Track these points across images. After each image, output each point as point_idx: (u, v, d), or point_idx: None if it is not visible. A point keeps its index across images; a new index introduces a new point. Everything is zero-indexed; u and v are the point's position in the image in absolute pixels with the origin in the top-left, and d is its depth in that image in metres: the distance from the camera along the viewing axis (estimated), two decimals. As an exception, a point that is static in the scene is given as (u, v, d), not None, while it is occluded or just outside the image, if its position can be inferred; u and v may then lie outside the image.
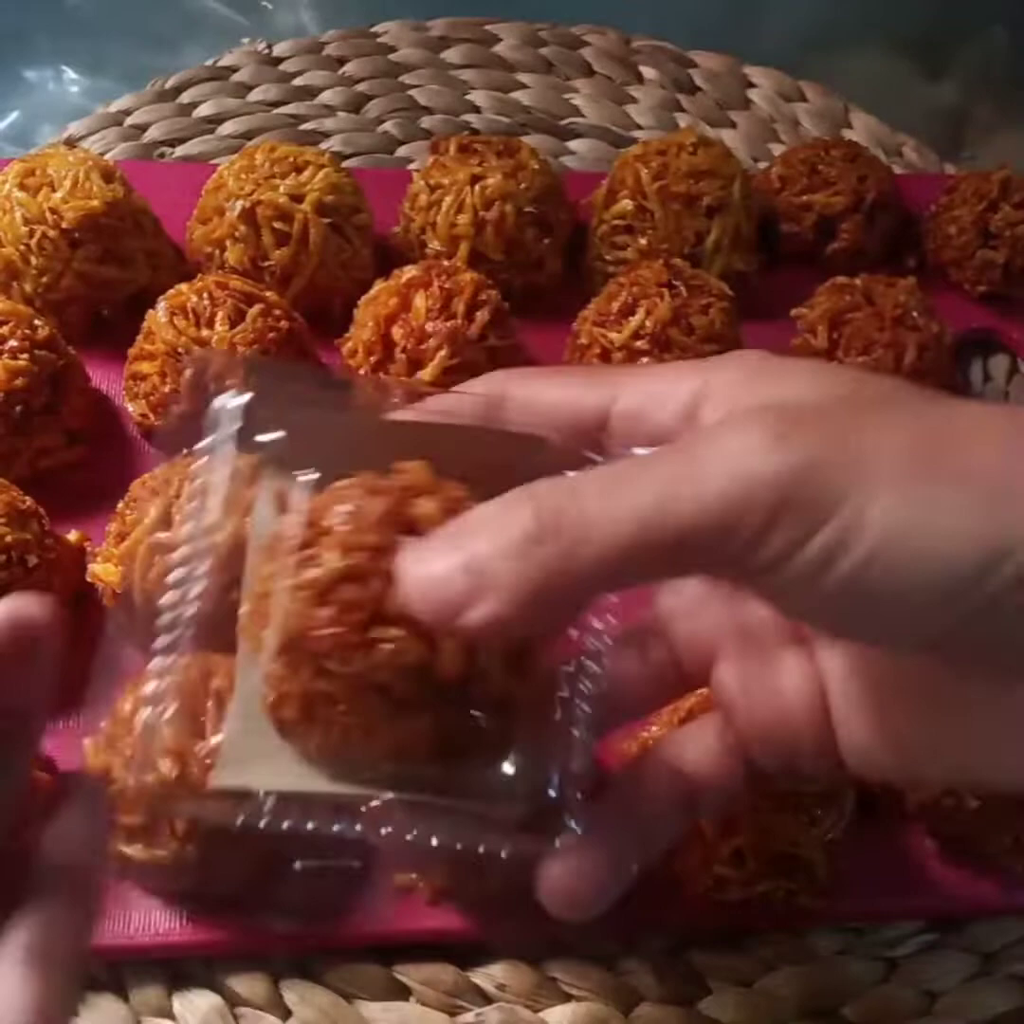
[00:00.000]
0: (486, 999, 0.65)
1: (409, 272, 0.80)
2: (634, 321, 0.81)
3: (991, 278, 0.94)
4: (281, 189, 0.83)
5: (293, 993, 0.64)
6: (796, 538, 0.31)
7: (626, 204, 0.89)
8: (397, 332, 0.78)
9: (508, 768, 0.42)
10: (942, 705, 0.38)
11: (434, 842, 0.41)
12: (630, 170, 0.89)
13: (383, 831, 0.40)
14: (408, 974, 0.65)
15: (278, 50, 1.07)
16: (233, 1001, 0.63)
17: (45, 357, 0.75)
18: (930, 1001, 0.67)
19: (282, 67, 1.06)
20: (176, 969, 0.63)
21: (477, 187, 0.86)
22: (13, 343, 0.73)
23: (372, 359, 0.79)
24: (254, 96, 1.04)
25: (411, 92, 1.06)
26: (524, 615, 0.33)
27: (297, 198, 0.83)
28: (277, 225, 0.83)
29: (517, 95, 1.08)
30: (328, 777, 0.40)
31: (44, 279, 0.80)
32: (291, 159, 0.85)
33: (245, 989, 0.63)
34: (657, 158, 0.89)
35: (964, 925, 0.69)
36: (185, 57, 1.08)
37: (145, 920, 0.62)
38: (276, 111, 1.03)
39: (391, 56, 1.09)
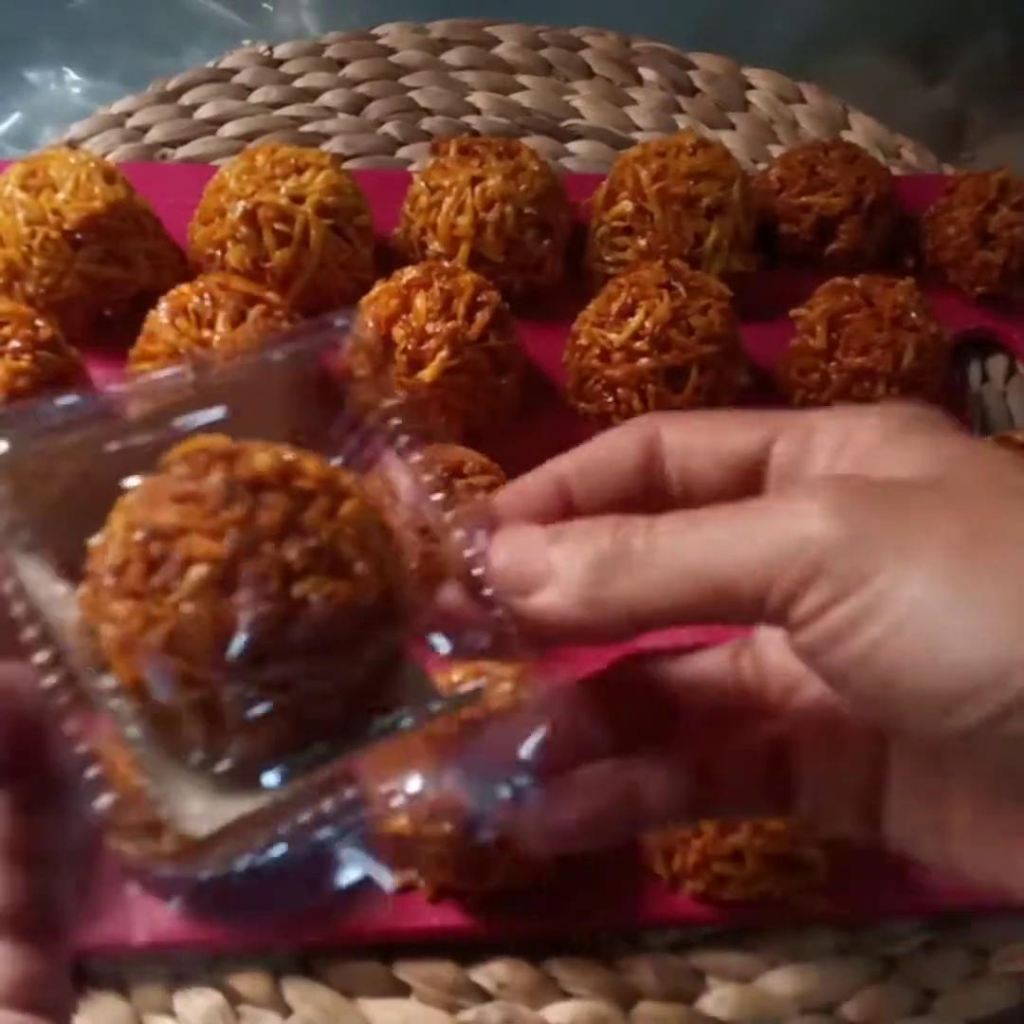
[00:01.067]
0: (486, 997, 0.65)
1: (409, 273, 0.80)
2: (633, 322, 0.81)
3: (989, 279, 0.94)
4: (282, 191, 0.83)
5: (294, 991, 0.64)
6: (826, 600, 0.33)
7: (626, 205, 0.90)
8: (398, 333, 0.79)
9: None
10: (984, 812, 0.38)
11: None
12: (630, 171, 0.90)
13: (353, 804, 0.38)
14: (409, 972, 0.65)
15: (279, 52, 1.07)
16: (234, 999, 0.64)
17: (47, 358, 0.75)
18: (929, 999, 0.67)
19: (283, 69, 1.06)
20: (177, 968, 0.64)
21: (477, 189, 0.86)
22: (15, 344, 0.73)
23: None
24: (255, 98, 1.04)
25: (411, 94, 1.06)
26: (579, 614, 0.36)
27: (298, 199, 0.83)
28: (278, 226, 0.83)
29: (517, 97, 1.08)
30: (273, 782, 0.38)
31: (46, 280, 0.80)
32: (292, 160, 0.85)
33: (246, 987, 0.64)
34: (657, 159, 0.89)
35: (963, 923, 0.69)
36: (186, 59, 1.08)
37: (148, 918, 0.62)
38: (277, 113, 1.03)
39: (391, 58, 1.09)
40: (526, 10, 1.12)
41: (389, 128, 1.04)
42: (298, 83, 1.06)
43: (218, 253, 0.85)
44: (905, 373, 0.84)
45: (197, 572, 0.33)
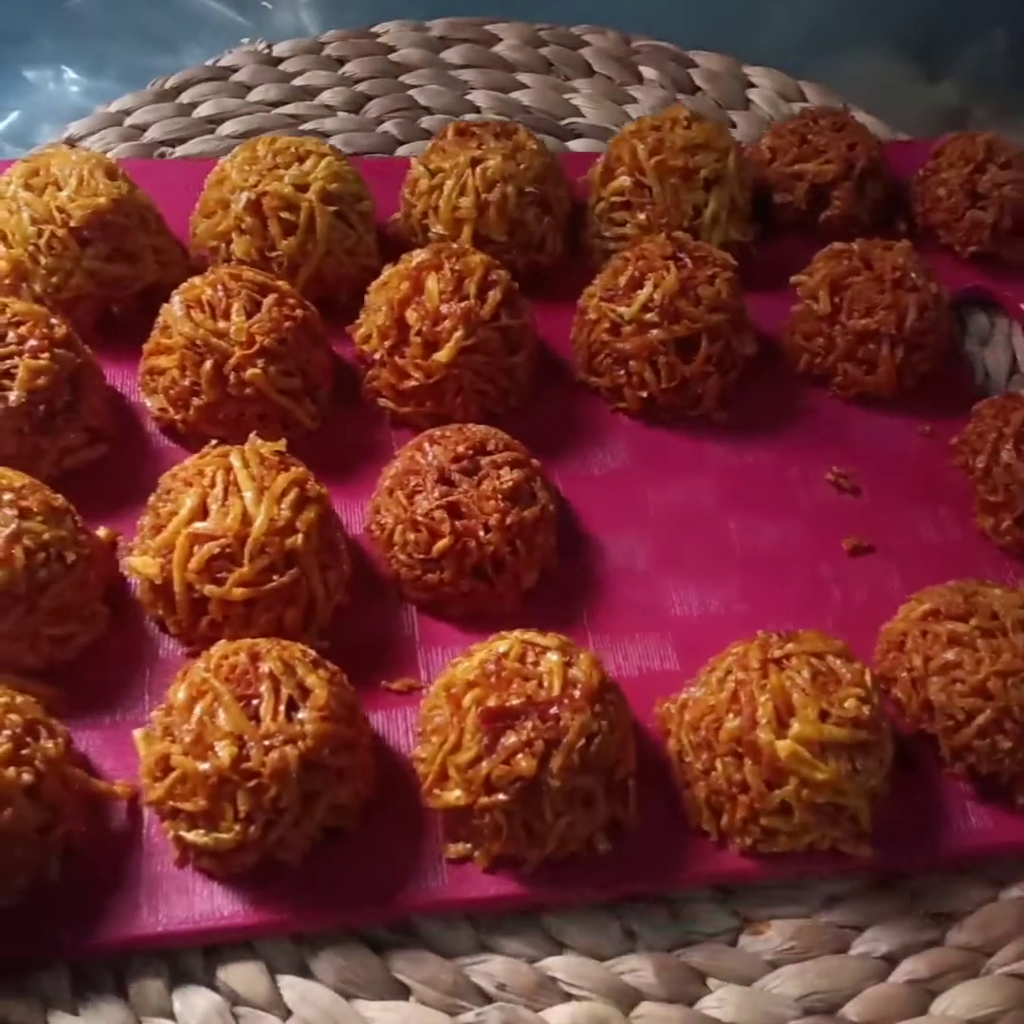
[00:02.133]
0: (486, 998, 0.64)
1: (419, 256, 0.81)
2: (642, 294, 0.82)
3: (980, 238, 0.96)
4: (286, 179, 0.83)
5: (293, 992, 0.63)
6: None
7: (624, 180, 0.90)
8: (411, 315, 0.79)
9: None
10: None
11: None
12: (626, 147, 0.90)
13: None
14: (408, 973, 0.64)
15: (278, 50, 1.08)
16: (233, 1000, 0.63)
17: (64, 356, 0.75)
18: (929, 999, 0.67)
19: (282, 67, 1.06)
20: (176, 968, 0.63)
21: (478, 169, 0.87)
22: (33, 343, 0.73)
23: (387, 343, 0.80)
24: (254, 96, 1.04)
25: (411, 92, 1.06)
26: None
27: (302, 187, 0.83)
28: (284, 215, 0.83)
29: (517, 95, 1.08)
30: None
31: (54, 279, 0.80)
32: (292, 149, 0.85)
33: (245, 988, 0.63)
34: (652, 134, 0.90)
35: (963, 923, 0.69)
36: (185, 57, 1.09)
37: (209, 905, 0.63)
38: (276, 111, 1.03)
39: (391, 56, 1.09)
40: (526, 8, 1.13)
41: (389, 126, 1.04)
42: (297, 81, 1.06)
43: (223, 245, 0.85)
44: (909, 333, 0.85)
45: None
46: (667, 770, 0.70)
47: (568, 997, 0.65)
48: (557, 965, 0.65)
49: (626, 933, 0.67)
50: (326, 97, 1.05)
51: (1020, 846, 0.70)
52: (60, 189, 0.80)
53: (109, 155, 0.91)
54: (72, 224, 0.79)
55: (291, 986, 0.63)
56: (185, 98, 1.03)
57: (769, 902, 0.69)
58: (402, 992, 0.64)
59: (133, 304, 0.84)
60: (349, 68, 1.07)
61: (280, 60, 1.07)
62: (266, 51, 1.07)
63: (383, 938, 0.65)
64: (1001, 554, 0.82)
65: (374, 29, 1.11)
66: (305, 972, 0.64)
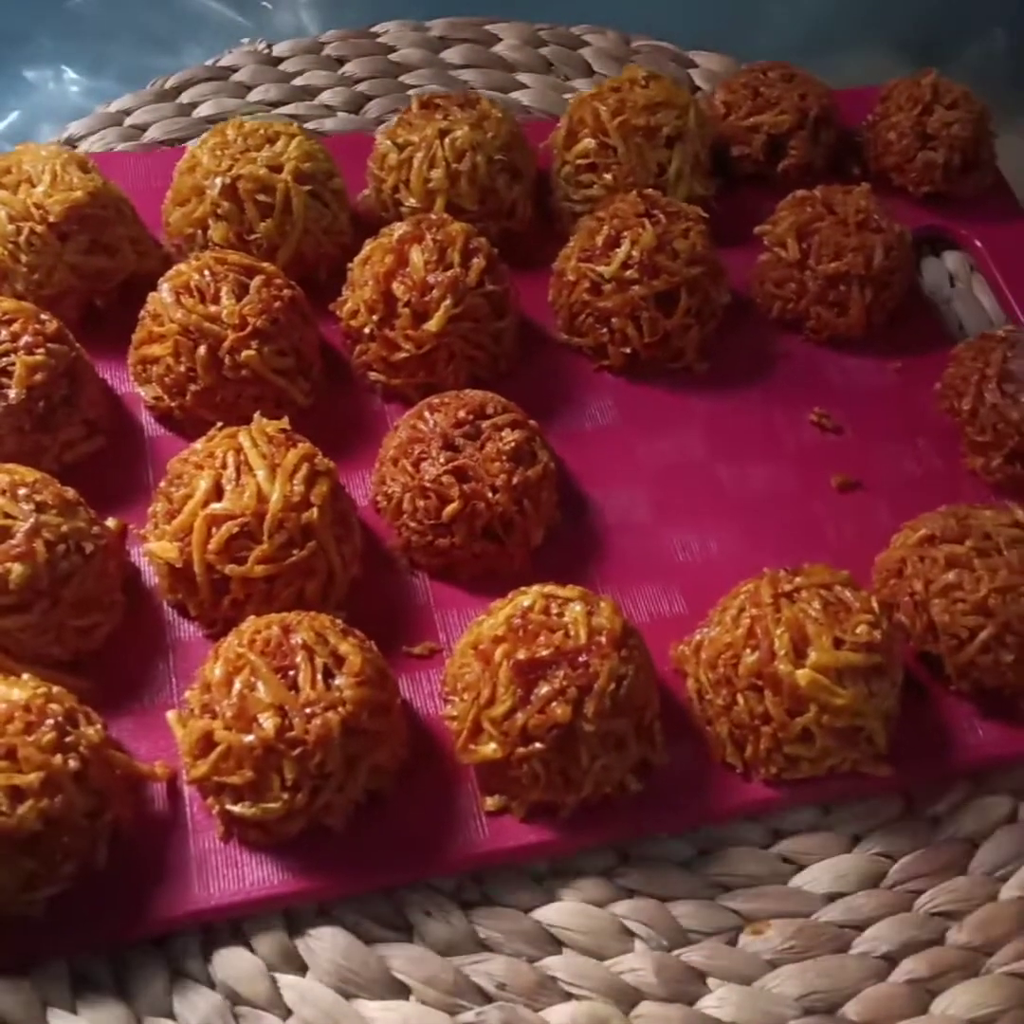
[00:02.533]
0: (486, 998, 0.65)
1: (400, 228, 0.82)
2: (621, 252, 0.84)
3: (932, 178, 0.99)
4: (259, 161, 0.83)
5: (293, 992, 0.63)
6: None
7: (588, 142, 0.92)
8: (398, 287, 0.80)
9: None
10: None
11: None
12: (588, 109, 0.92)
13: None
14: (408, 973, 0.64)
15: (278, 50, 1.07)
16: (233, 1000, 0.63)
17: (59, 350, 0.75)
18: (929, 999, 0.67)
19: (282, 67, 1.06)
20: (176, 967, 0.63)
21: (447, 140, 0.88)
22: (27, 339, 0.74)
23: (375, 316, 0.81)
24: (254, 96, 1.04)
25: (411, 92, 1.06)
26: None
27: (276, 169, 0.84)
28: (260, 197, 0.83)
29: (517, 95, 1.08)
30: None
31: (36, 276, 0.80)
32: (262, 131, 0.86)
33: (245, 988, 0.63)
34: (612, 95, 0.91)
35: (962, 922, 0.69)
36: (185, 57, 1.08)
37: (258, 874, 0.64)
38: (276, 111, 1.03)
39: (391, 56, 1.08)
40: (526, 8, 1.13)
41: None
42: (297, 81, 1.06)
43: (199, 232, 0.85)
44: (877, 273, 0.88)
45: None
46: (686, 711, 0.72)
47: (568, 997, 0.65)
48: (557, 965, 0.66)
49: (626, 933, 0.67)
50: (326, 97, 1.05)
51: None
52: (34, 186, 0.80)
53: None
54: (51, 219, 0.79)
55: (291, 986, 0.63)
56: (185, 98, 1.02)
57: (769, 902, 0.69)
58: (402, 992, 0.64)
59: (115, 297, 0.84)
60: (349, 68, 1.07)
61: (280, 60, 1.06)
62: (266, 51, 1.06)
63: (383, 936, 0.65)
64: (990, 491, 0.85)
65: (374, 29, 1.10)
66: (305, 972, 0.64)
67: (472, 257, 0.81)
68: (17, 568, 0.64)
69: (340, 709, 0.62)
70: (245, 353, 0.76)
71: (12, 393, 0.72)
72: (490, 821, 0.67)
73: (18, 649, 0.66)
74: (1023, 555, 0.72)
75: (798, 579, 0.70)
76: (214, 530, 0.68)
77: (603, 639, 0.65)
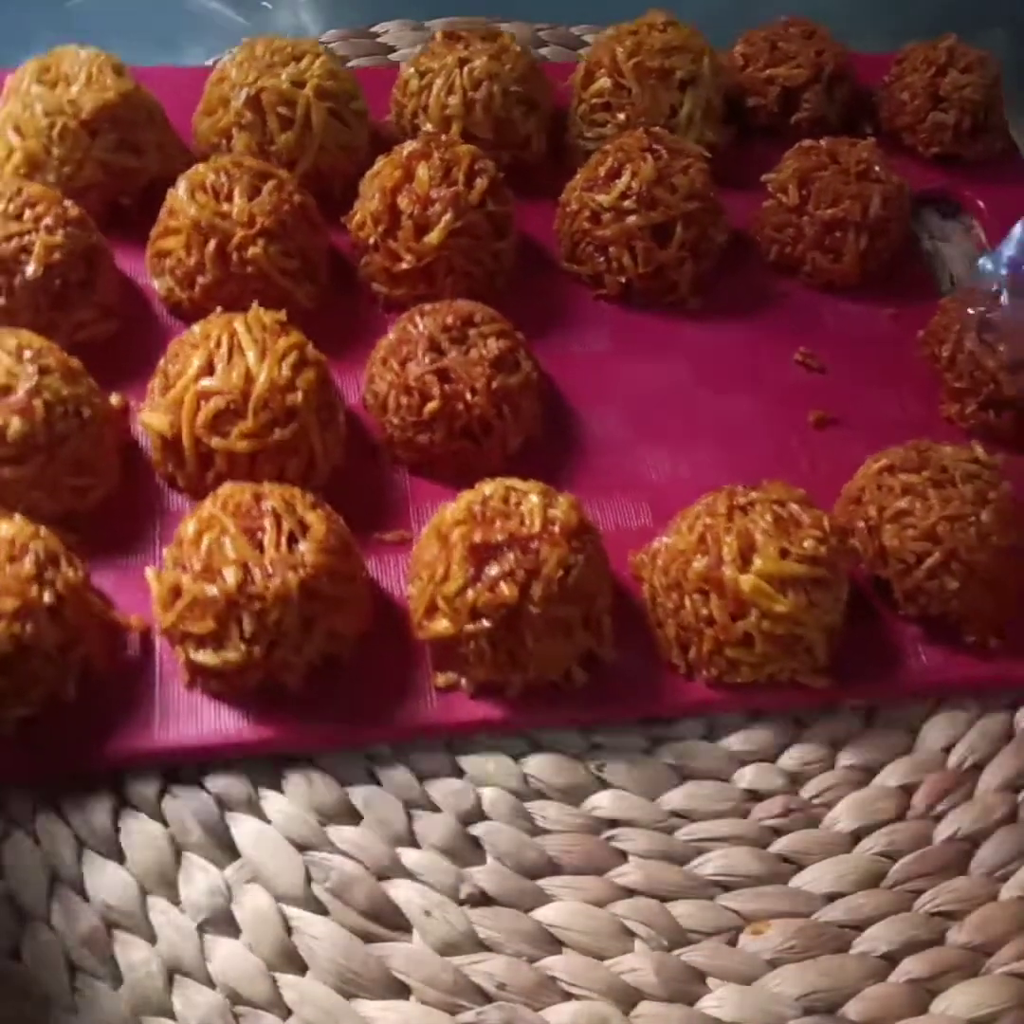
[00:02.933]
0: (486, 998, 0.65)
1: (410, 146, 0.86)
2: (621, 183, 0.87)
3: (942, 139, 1.01)
4: (283, 76, 0.88)
5: (293, 992, 0.64)
6: None
7: (604, 82, 0.95)
8: (402, 201, 0.84)
9: None
10: None
11: None
12: (606, 50, 0.95)
13: None
14: (408, 973, 0.65)
15: None
16: (233, 1000, 0.64)
17: (78, 234, 0.80)
18: (929, 999, 0.68)
19: None
20: (176, 966, 0.64)
21: (465, 69, 0.92)
22: (48, 221, 0.78)
23: (380, 228, 0.85)
24: None
25: None
26: None
27: (299, 84, 0.88)
28: (281, 110, 0.88)
29: None
30: None
31: (66, 169, 0.85)
32: (289, 49, 0.90)
33: (245, 987, 0.64)
34: (630, 37, 0.95)
35: (962, 922, 0.69)
36: (186, 57, 1.10)
37: (216, 723, 0.68)
38: None
39: (391, 56, 1.10)
40: (526, 8, 1.14)
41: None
42: None
43: (224, 142, 0.90)
44: (873, 221, 0.91)
45: None
46: (641, 616, 0.75)
47: (568, 997, 0.66)
48: (557, 965, 0.66)
49: (626, 933, 0.68)
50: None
51: (965, 681, 0.76)
52: (70, 85, 0.85)
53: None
54: (83, 117, 0.84)
55: (291, 986, 0.64)
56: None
57: (769, 902, 0.69)
58: (402, 992, 0.65)
59: (140, 197, 0.89)
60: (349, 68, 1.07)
61: (280, 60, 1.08)
62: None
63: (383, 936, 0.67)
64: (964, 437, 0.86)
65: (374, 29, 1.12)
66: (305, 971, 0.65)
67: (476, 177, 0.85)
68: (16, 422, 0.69)
69: (300, 571, 0.66)
70: (251, 250, 0.80)
71: (29, 269, 0.77)
72: (440, 696, 0.71)
73: (13, 499, 0.70)
74: (978, 489, 0.74)
75: (754, 493, 0.73)
76: (203, 404, 0.72)
77: (556, 529, 0.68)
